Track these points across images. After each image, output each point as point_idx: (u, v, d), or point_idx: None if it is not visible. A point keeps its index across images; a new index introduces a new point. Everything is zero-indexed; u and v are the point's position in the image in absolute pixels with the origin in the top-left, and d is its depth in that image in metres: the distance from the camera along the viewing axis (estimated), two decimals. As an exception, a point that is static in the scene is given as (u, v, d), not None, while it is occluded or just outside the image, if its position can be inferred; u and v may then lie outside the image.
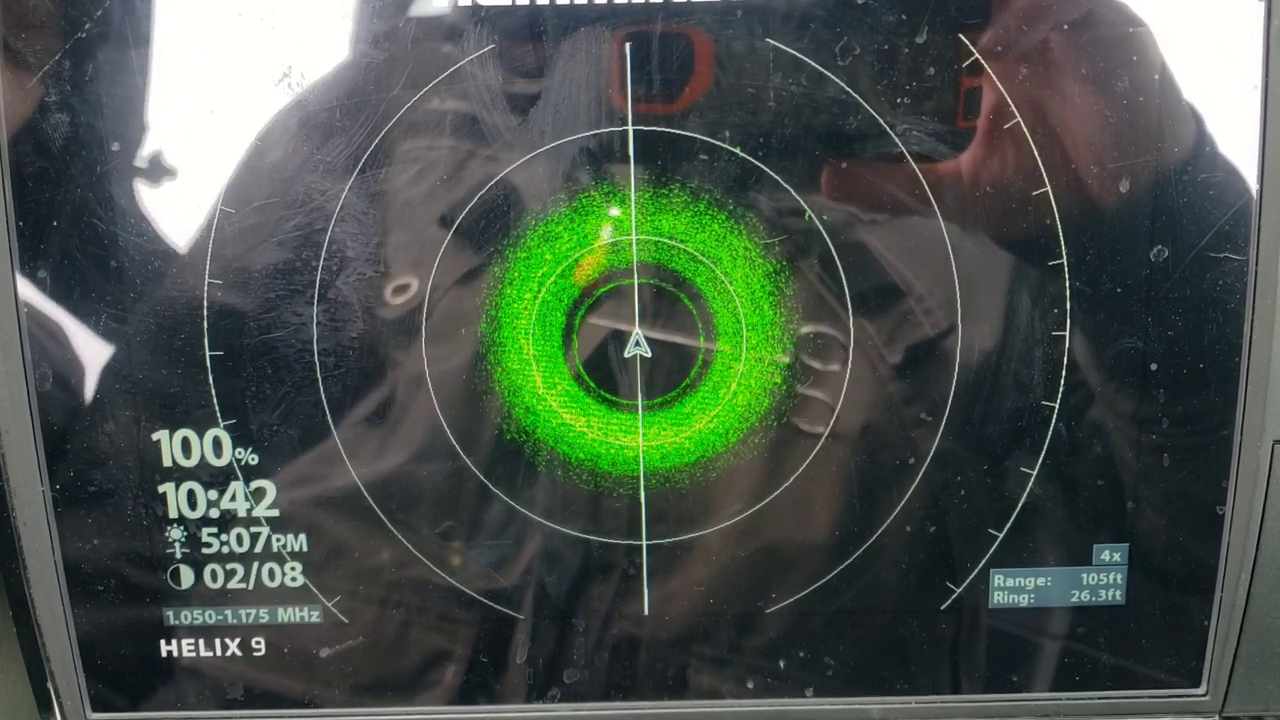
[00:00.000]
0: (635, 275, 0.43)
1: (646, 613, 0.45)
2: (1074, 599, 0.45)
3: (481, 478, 0.44)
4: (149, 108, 0.41)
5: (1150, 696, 0.46)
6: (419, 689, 0.46)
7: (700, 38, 0.40)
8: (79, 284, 0.42)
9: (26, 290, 0.42)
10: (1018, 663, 0.46)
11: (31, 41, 0.40)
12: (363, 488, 0.44)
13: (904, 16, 0.40)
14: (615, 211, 0.42)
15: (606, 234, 0.42)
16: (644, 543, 0.45)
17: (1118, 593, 0.45)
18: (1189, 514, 0.44)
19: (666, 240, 0.42)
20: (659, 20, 0.40)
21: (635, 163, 0.41)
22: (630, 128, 0.41)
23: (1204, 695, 0.46)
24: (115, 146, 0.41)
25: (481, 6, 0.40)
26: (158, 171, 0.41)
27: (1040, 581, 0.45)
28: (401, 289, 0.42)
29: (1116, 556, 0.45)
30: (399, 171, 0.41)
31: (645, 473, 0.44)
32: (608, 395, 0.43)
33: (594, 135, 0.41)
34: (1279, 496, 0.44)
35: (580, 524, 0.44)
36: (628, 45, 0.40)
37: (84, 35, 0.40)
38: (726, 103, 0.41)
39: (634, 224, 0.42)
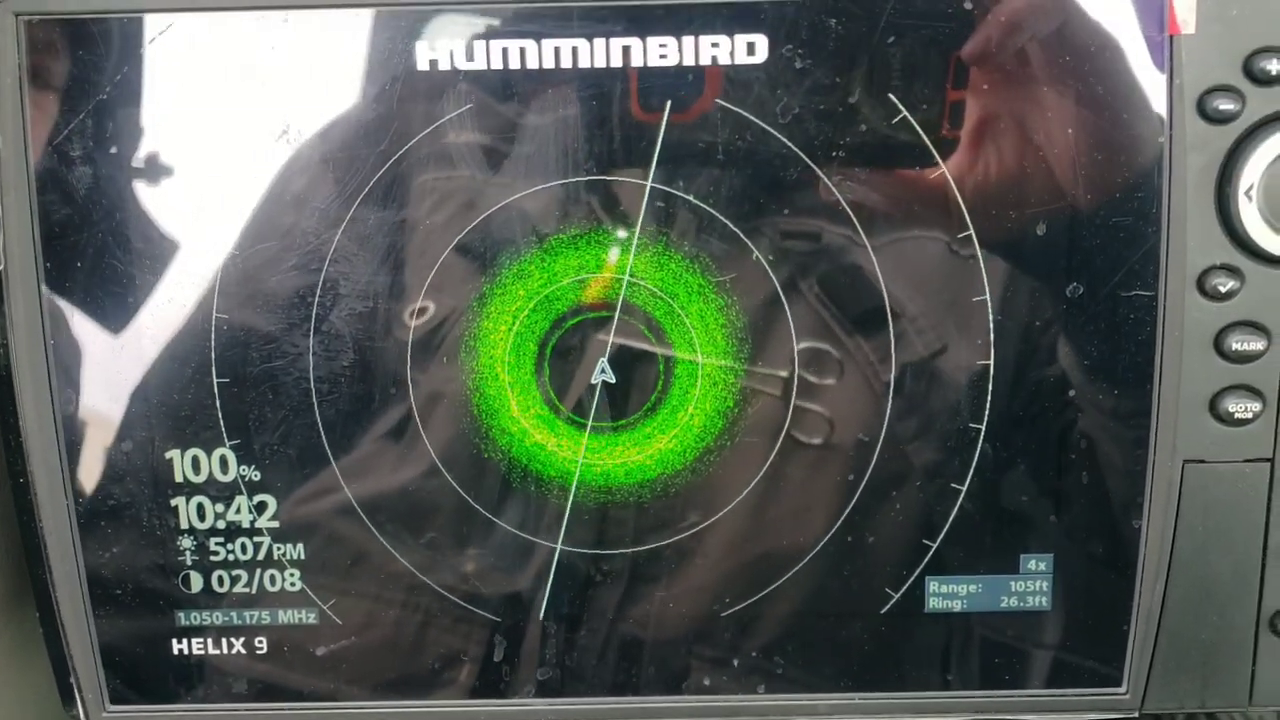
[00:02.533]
0: (616, 310, 0.47)
1: (613, 616, 0.49)
2: (1003, 604, 0.49)
3: (462, 494, 0.48)
4: (161, 160, 0.45)
5: (1075, 695, 0.49)
6: (407, 684, 0.50)
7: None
8: (100, 319, 0.46)
9: (53, 325, 0.46)
10: (952, 662, 0.49)
11: (54, 102, 0.45)
12: (354, 502, 0.48)
13: (837, 79, 0.44)
14: (616, 246, 0.46)
15: (613, 256, 0.47)
16: (609, 551, 0.49)
17: (1044, 599, 0.49)
18: (1108, 527, 0.48)
19: (633, 279, 0.47)
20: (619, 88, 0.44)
21: (600, 208, 0.46)
22: (597, 178, 0.45)
23: (1125, 694, 0.49)
24: (130, 195, 0.45)
25: (460, 70, 0.44)
26: (167, 217, 0.46)
27: (972, 588, 0.49)
28: (390, 323, 0.47)
29: (1042, 565, 0.48)
30: (387, 218, 0.46)
31: (612, 487, 0.48)
32: (576, 418, 0.48)
33: (561, 184, 0.45)
34: (1190, 511, 0.47)
35: (552, 535, 0.49)
36: (591, 108, 0.45)
37: (103, 97, 0.45)
38: (680, 156, 0.45)
39: (629, 263, 0.46)
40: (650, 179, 0.45)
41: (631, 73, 0.44)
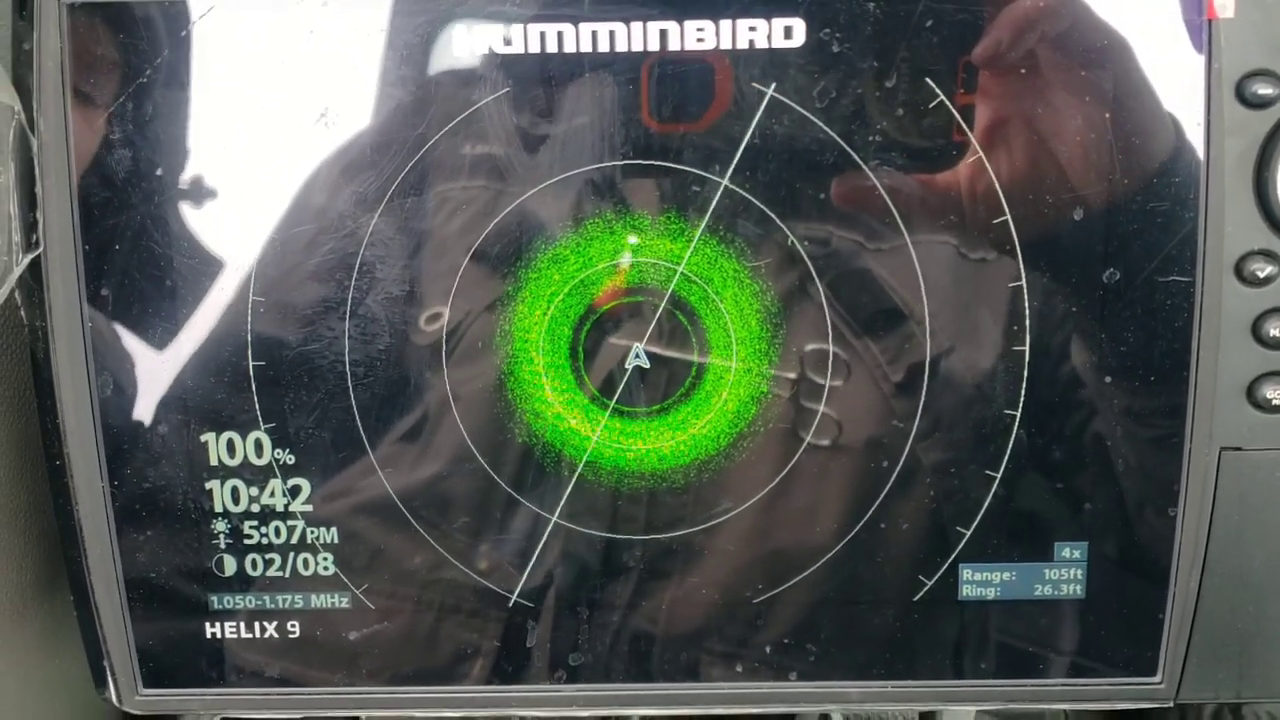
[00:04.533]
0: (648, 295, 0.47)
1: (645, 602, 0.49)
2: (1037, 592, 0.49)
3: (495, 478, 0.48)
4: (199, 145, 0.45)
5: (1110, 684, 0.49)
6: (440, 670, 0.50)
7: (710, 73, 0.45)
8: (137, 302, 0.46)
9: (91, 307, 0.46)
10: (985, 651, 0.49)
11: (97, 86, 0.45)
12: (388, 486, 0.48)
13: (875, 63, 0.44)
14: (634, 239, 0.46)
15: (626, 260, 0.47)
16: (643, 537, 0.49)
17: (1078, 587, 0.49)
18: (1143, 515, 0.47)
19: (665, 263, 0.47)
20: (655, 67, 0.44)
21: (635, 191, 0.46)
22: (633, 161, 0.45)
23: (1160, 683, 0.49)
24: (169, 178, 0.45)
25: (497, 55, 0.45)
26: (205, 200, 0.46)
27: (1006, 576, 0.49)
28: (425, 307, 0.47)
29: (1076, 553, 0.48)
30: (424, 201, 0.46)
31: (645, 473, 0.48)
32: (610, 403, 0.48)
33: (598, 169, 0.45)
34: (1226, 499, 0.47)
35: (585, 520, 0.49)
36: (629, 87, 0.45)
37: (144, 80, 0.45)
38: (718, 139, 0.45)
39: (687, 252, 0.46)
40: (686, 165, 0.45)
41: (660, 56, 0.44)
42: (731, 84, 0.45)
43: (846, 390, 0.47)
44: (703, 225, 0.46)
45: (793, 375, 0.47)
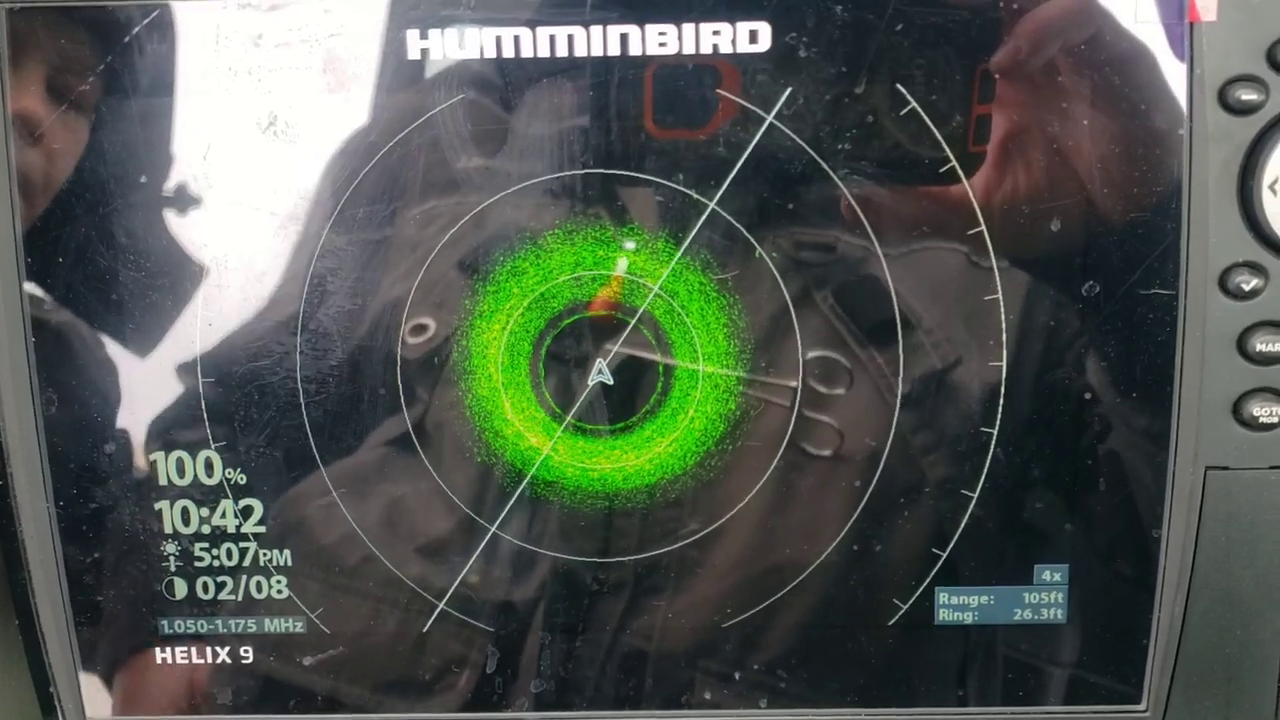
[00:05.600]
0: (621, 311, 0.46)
1: (610, 627, 0.48)
2: (1017, 616, 0.47)
3: (452, 497, 0.47)
4: (144, 152, 0.44)
5: (1093, 712, 0.48)
6: (398, 696, 0.49)
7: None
8: (83, 314, 0.45)
9: (34, 321, 0.45)
10: (963, 677, 0.48)
11: (38, 92, 0.44)
12: (342, 506, 0.47)
13: (844, 70, 0.43)
14: (631, 245, 0.45)
15: (622, 266, 0.45)
16: (606, 560, 0.47)
17: (1059, 611, 0.47)
18: (1126, 537, 0.46)
19: (630, 277, 0.45)
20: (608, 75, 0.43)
21: (594, 206, 0.44)
22: (593, 171, 0.44)
23: (1144, 711, 0.47)
24: (113, 187, 0.44)
25: (452, 59, 0.43)
26: (152, 210, 0.45)
27: (984, 599, 0.47)
28: (379, 322, 0.45)
29: (1057, 576, 0.47)
30: (376, 212, 0.44)
31: (610, 493, 0.47)
32: (572, 420, 0.46)
33: (557, 178, 0.44)
34: (1212, 520, 0.46)
35: (546, 542, 0.47)
36: (590, 94, 0.43)
37: (86, 87, 0.43)
38: (682, 148, 0.43)
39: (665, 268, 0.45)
40: (649, 174, 0.44)
41: (637, 62, 0.43)
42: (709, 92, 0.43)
43: (819, 411, 0.46)
44: (683, 247, 0.44)
45: (762, 395, 0.46)
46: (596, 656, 0.48)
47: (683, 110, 0.43)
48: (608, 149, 0.43)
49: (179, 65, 0.43)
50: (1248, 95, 0.42)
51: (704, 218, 0.44)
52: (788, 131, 0.43)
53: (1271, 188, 0.43)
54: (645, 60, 0.43)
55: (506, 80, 0.43)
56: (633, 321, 0.45)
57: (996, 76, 0.42)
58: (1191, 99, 0.43)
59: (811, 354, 0.45)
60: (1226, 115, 0.43)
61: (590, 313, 0.46)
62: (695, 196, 0.44)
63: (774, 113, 0.43)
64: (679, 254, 0.44)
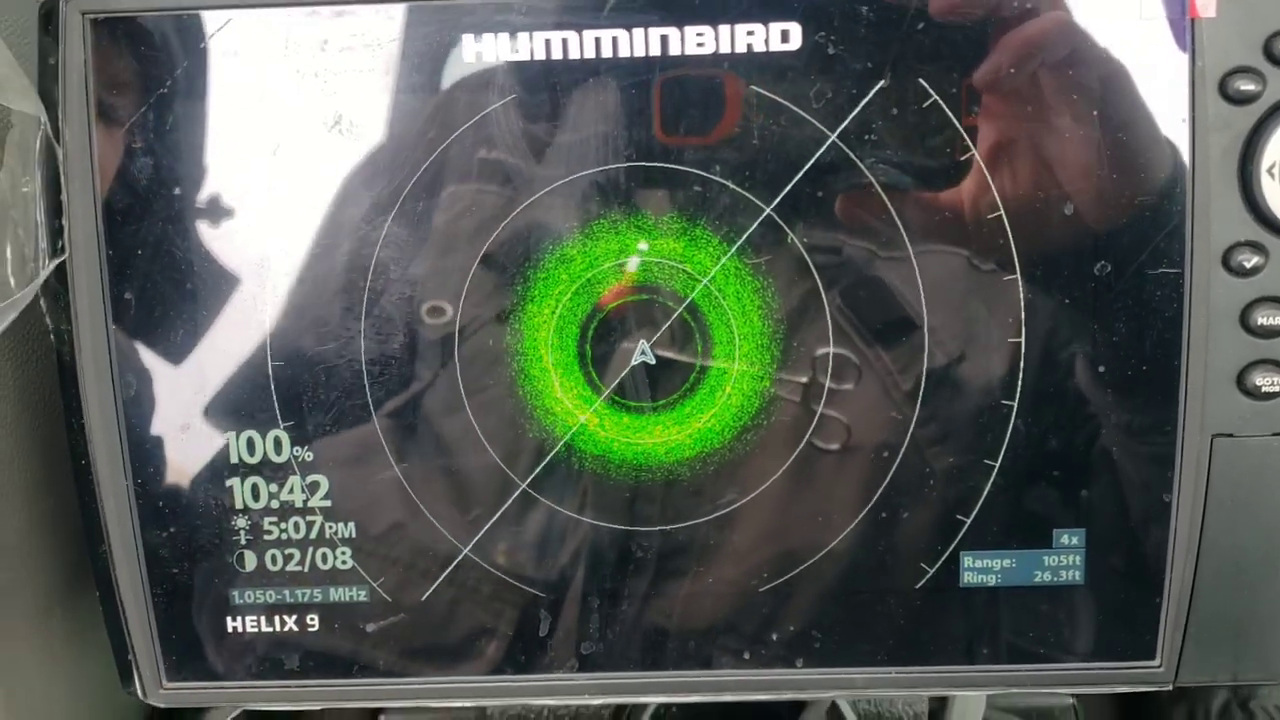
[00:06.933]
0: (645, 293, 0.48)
1: (656, 593, 0.50)
2: (1037, 579, 0.50)
3: (507, 471, 0.49)
4: (218, 153, 0.47)
5: (1109, 668, 0.50)
6: (456, 660, 0.51)
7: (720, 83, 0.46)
8: (159, 305, 0.48)
9: (115, 311, 0.48)
10: (986, 636, 0.50)
11: (119, 97, 0.47)
12: (404, 481, 0.50)
13: (869, 64, 0.46)
14: (644, 245, 0.48)
15: (633, 264, 0.48)
16: (650, 529, 0.50)
17: (1077, 573, 0.50)
18: (1139, 502, 0.48)
19: (670, 262, 0.48)
20: (656, 75, 0.46)
21: (640, 194, 0.47)
22: (636, 164, 0.47)
23: (1158, 667, 0.50)
24: (189, 186, 0.47)
25: (504, 62, 0.46)
26: (225, 206, 0.48)
27: (1006, 563, 0.50)
28: (437, 307, 0.48)
29: (1075, 540, 0.49)
30: (435, 204, 0.47)
31: (652, 465, 0.50)
32: (617, 398, 0.49)
33: (603, 170, 0.47)
34: (1219, 484, 0.48)
35: (594, 513, 0.50)
36: (633, 93, 0.46)
37: (164, 92, 0.47)
38: (721, 143, 0.47)
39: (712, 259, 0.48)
40: (690, 166, 0.47)
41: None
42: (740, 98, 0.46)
43: (849, 387, 0.48)
44: (706, 222, 0.47)
45: (793, 375, 0.48)
46: (642, 620, 0.51)
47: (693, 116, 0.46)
48: (649, 146, 0.46)
49: (250, 70, 0.47)
50: (1246, 86, 0.45)
51: (759, 220, 0.47)
52: (842, 146, 0.46)
53: (1270, 172, 0.46)
54: (718, 59, 0.46)
55: (555, 81, 0.46)
56: (679, 310, 0.48)
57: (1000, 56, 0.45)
58: (1193, 90, 0.45)
59: (839, 335, 0.48)
60: (1226, 105, 0.45)
61: (631, 298, 0.48)
62: (753, 200, 0.47)
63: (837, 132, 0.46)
64: (730, 251, 0.47)
